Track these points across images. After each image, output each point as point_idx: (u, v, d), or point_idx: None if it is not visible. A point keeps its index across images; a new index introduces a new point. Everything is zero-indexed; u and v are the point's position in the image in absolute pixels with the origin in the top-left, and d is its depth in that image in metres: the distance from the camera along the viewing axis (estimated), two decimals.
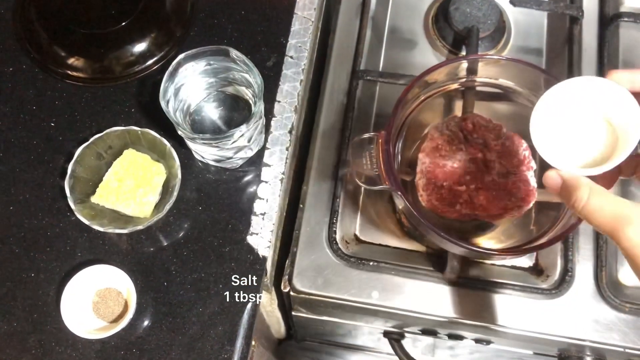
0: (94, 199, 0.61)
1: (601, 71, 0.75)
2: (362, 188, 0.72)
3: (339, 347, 1.36)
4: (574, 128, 0.45)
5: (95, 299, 0.60)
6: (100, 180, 0.61)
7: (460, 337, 0.77)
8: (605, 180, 0.46)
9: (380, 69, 0.78)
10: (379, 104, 0.76)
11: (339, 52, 0.77)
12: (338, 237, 0.68)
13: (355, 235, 0.71)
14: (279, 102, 0.68)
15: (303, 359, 1.42)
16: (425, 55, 0.79)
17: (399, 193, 0.56)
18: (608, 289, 0.65)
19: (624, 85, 0.41)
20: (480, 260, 0.68)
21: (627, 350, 0.64)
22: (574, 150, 0.44)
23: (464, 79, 0.67)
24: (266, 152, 0.66)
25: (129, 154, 0.62)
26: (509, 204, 0.61)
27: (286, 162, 0.66)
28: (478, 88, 0.69)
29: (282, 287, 0.67)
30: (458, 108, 0.71)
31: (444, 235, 0.56)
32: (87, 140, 0.61)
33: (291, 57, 0.70)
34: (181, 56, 0.58)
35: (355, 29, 0.78)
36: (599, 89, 0.43)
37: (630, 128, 0.41)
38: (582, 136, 0.44)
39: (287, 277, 0.67)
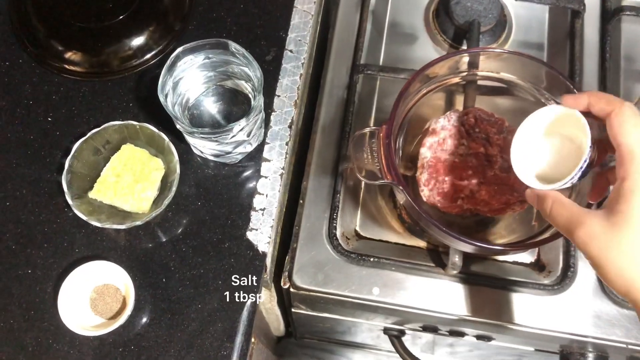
0: (91, 194, 0.60)
1: (603, 66, 0.74)
2: (363, 183, 0.71)
3: (338, 344, 1.36)
4: (545, 150, 0.52)
5: (92, 296, 0.60)
6: (98, 175, 0.61)
7: (461, 334, 0.77)
8: (595, 190, 0.54)
9: (381, 63, 0.77)
10: (379, 99, 0.75)
11: (339, 46, 0.76)
12: (338, 233, 0.68)
13: (355, 231, 0.70)
14: (278, 96, 0.67)
15: (302, 357, 1.42)
16: (426, 49, 0.78)
17: (401, 187, 0.55)
18: None
19: (576, 108, 0.48)
20: (482, 256, 0.68)
21: (629, 346, 0.64)
22: (547, 169, 0.52)
23: (466, 73, 0.67)
24: (266, 147, 0.65)
25: (127, 148, 0.62)
26: (510, 199, 0.60)
27: (286, 157, 0.65)
28: (479, 82, 0.68)
29: (282, 284, 0.66)
30: (459, 102, 0.70)
31: (446, 230, 0.55)
32: (85, 135, 0.60)
33: (291, 51, 0.69)
34: (179, 49, 0.57)
35: (355, 23, 0.77)
36: (561, 114, 0.50)
37: (584, 145, 0.47)
38: (552, 156, 0.52)
39: (287, 273, 0.66)
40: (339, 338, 1.28)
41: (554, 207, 0.47)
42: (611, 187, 0.51)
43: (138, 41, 0.68)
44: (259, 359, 0.83)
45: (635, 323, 0.64)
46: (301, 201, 0.69)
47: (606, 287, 0.64)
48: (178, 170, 0.59)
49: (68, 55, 0.69)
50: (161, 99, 0.56)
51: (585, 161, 0.47)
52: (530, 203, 0.51)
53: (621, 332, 0.64)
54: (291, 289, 0.66)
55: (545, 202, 0.47)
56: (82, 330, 0.56)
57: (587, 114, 0.48)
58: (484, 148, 0.61)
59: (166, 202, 0.59)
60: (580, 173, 0.47)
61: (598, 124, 0.48)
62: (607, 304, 0.65)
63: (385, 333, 0.83)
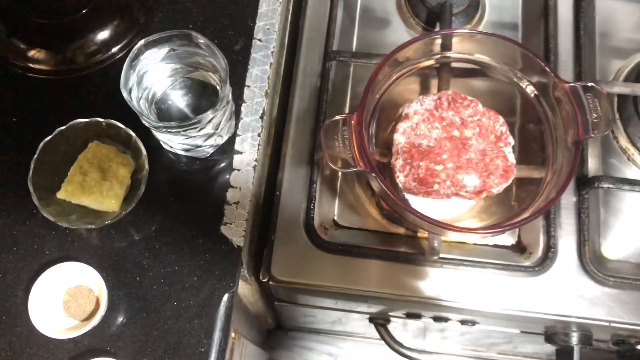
0: (59, 194, 0.58)
1: (578, 44, 0.73)
2: (339, 172, 0.70)
3: (329, 334, 1.35)
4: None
5: (65, 298, 0.58)
6: (66, 175, 0.59)
7: (445, 319, 0.76)
8: None
9: (354, 50, 0.76)
10: (353, 86, 0.74)
11: (310, 33, 0.75)
12: (316, 223, 0.67)
13: (333, 220, 0.69)
14: (248, 87, 0.66)
15: (293, 348, 1.42)
16: (399, 33, 0.77)
17: (374, 175, 0.54)
18: (592, 263, 0.64)
19: None
20: (462, 241, 0.67)
21: (612, 325, 0.63)
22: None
23: (439, 56, 0.66)
24: (237, 139, 0.64)
25: (94, 146, 0.60)
26: (488, 182, 0.59)
27: (258, 149, 0.64)
28: (453, 64, 0.67)
29: (260, 277, 0.65)
30: (434, 86, 0.69)
31: (423, 216, 0.54)
32: (50, 135, 0.58)
33: (260, 40, 0.68)
34: (141, 42, 0.55)
35: (326, 9, 0.75)
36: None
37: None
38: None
39: (265, 266, 0.65)
40: (329, 328, 1.27)
41: None
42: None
43: (102, 35, 0.67)
44: (244, 353, 0.82)
45: (617, 301, 0.64)
46: (277, 193, 0.68)
47: (588, 266, 0.64)
48: (147, 167, 0.58)
49: (32, 53, 0.67)
50: (124, 94, 0.54)
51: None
52: None
53: (604, 310, 0.63)
54: (270, 282, 0.65)
55: None
56: (55, 333, 0.55)
57: None
58: (458, 131, 0.60)
59: (136, 199, 0.57)
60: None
61: None
62: (589, 283, 0.64)
63: (371, 322, 0.83)
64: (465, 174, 0.59)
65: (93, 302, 0.58)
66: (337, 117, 0.57)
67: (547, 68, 0.60)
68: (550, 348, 0.75)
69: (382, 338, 0.80)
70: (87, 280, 0.58)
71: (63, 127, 0.59)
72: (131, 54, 0.55)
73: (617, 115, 0.71)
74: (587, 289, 0.64)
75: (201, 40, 0.56)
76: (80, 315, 0.58)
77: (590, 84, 0.57)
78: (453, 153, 0.59)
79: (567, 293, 0.64)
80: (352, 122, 0.56)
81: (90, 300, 0.58)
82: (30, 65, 0.67)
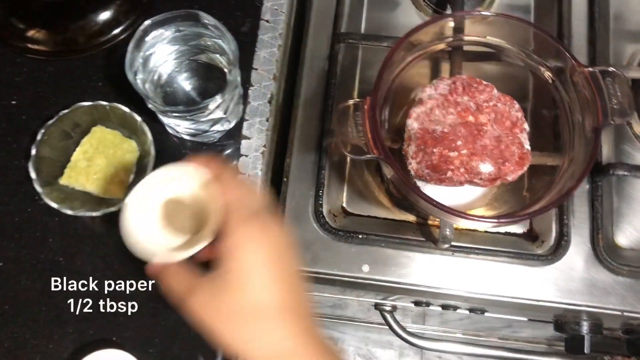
0: (62, 180, 0.57)
1: (592, 27, 0.72)
2: (348, 158, 0.69)
3: (329, 319, 1.35)
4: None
5: None
6: (69, 160, 0.57)
7: (454, 308, 0.75)
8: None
9: (363, 32, 0.74)
10: (362, 69, 0.72)
11: (318, 14, 0.73)
12: (325, 210, 0.65)
13: (342, 207, 0.68)
14: (256, 69, 0.64)
15: None
16: (409, 15, 0.75)
17: (389, 162, 0.53)
18: (605, 252, 0.63)
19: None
20: (473, 229, 0.66)
21: (625, 314, 0.63)
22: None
23: (451, 39, 0.64)
24: (245, 124, 0.62)
25: (98, 131, 0.58)
26: (503, 169, 0.58)
27: (267, 134, 0.62)
28: (465, 48, 0.65)
29: None
30: (445, 70, 0.67)
31: (437, 204, 0.53)
32: (52, 118, 0.56)
33: (267, 21, 0.66)
34: (147, 22, 0.53)
35: None
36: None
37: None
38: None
39: None
40: (329, 313, 1.27)
41: (168, 279, 0.43)
42: None
43: (105, 16, 0.64)
44: None
45: (630, 290, 0.63)
46: (285, 179, 0.67)
47: (601, 254, 0.63)
48: (153, 152, 0.56)
49: (31, 33, 0.65)
50: (129, 77, 0.52)
51: (213, 222, 0.42)
52: (154, 279, 0.45)
53: (616, 300, 0.63)
54: None
55: (162, 274, 0.43)
56: None
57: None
58: (473, 117, 0.58)
59: None
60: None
61: None
62: (602, 272, 0.63)
63: (376, 308, 0.82)
64: (479, 161, 0.57)
65: None
66: (350, 102, 0.55)
67: (565, 51, 0.58)
68: (549, 332, 0.74)
69: (388, 325, 0.80)
70: None
71: (66, 111, 0.57)
72: (136, 35, 0.53)
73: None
74: (599, 277, 0.63)
75: (209, 21, 0.54)
76: None
77: (610, 68, 0.55)
78: (468, 139, 0.58)
79: (580, 282, 0.63)
80: (366, 107, 0.54)
81: None
82: (30, 45, 0.64)
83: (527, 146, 0.59)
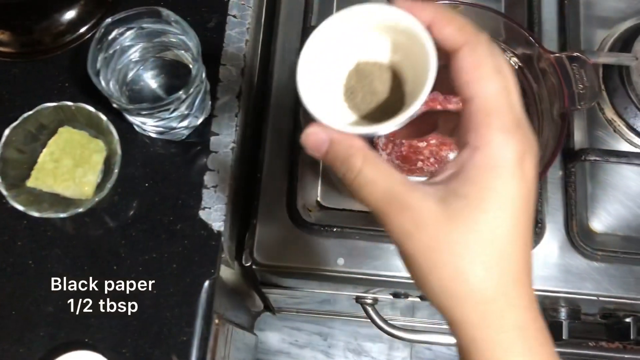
0: (29, 183, 0.56)
1: (562, 13, 0.72)
2: None
3: (318, 315, 1.35)
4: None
5: None
6: (35, 162, 0.57)
7: None
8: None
9: None
10: None
11: (288, 8, 0.72)
12: (299, 205, 0.65)
13: (317, 201, 0.68)
14: (224, 65, 0.63)
15: (283, 329, 1.41)
16: None
17: None
18: (579, 238, 0.63)
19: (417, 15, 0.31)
20: None
21: (600, 299, 0.63)
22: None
23: None
24: (214, 120, 0.61)
25: (65, 131, 0.58)
26: None
27: (237, 130, 0.62)
28: None
29: (243, 261, 0.64)
30: None
31: None
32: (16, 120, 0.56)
33: (234, 16, 0.65)
34: (108, 21, 0.53)
35: None
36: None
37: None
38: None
39: (247, 250, 0.64)
40: (318, 308, 1.27)
41: (365, 170, 0.30)
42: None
43: (69, 15, 0.64)
44: (229, 339, 0.80)
45: (605, 275, 0.63)
46: (259, 175, 0.66)
47: (575, 240, 0.63)
48: (119, 151, 0.56)
49: None
50: (92, 76, 0.52)
51: (427, 89, 0.30)
52: (312, 152, 0.31)
53: (591, 285, 0.63)
54: (254, 266, 0.64)
55: (351, 159, 0.30)
56: None
57: None
58: (441, 106, 0.58)
59: (109, 185, 0.55)
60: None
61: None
62: (577, 257, 0.63)
63: (357, 302, 0.82)
64: (449, 151, 0.57)
65: None
66: None
67: (531, 38, 0.58)
68: None
69: (370, 318, 0.79)
70: None
71: (30, 112, 0.56)
72: (97, 34, 0.53)
73: (602, 87, 0.69)
74: (574, 263, 0.63)
75: (172, 17, 0.53)
76: None
77: (575, 54, 0.55)
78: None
79: (555, 268, 0.63)
80: None
81: None
82: None
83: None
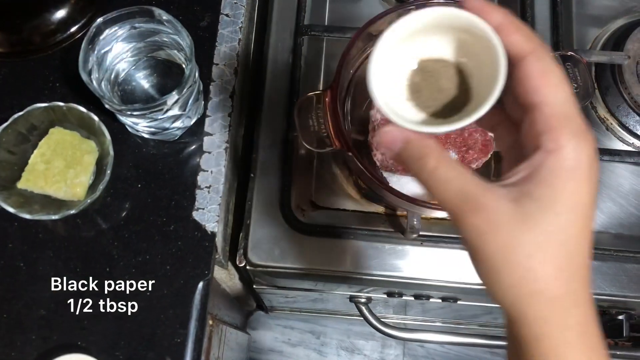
0: (20, 184, 0.55)
1: (555, 11, 0.72)
2: (315, 152, 0.68)
3: (311, 313, 1.35)
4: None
5: None
6: (26, 163, 0.56)
7: (426, 297, 0.75)
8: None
9: (326, 23, 0.73)
10: (327, 62, 0.71)
11: (280, 7, 0.72)
12: (293, 204, 0.65)
13: (311, 201, 0.67)
14: (217, 65, 0.63)
15: (275, 328, 1.41)
16: (373, 6, 0.74)
17: (350, 154, 0.52)
18: None
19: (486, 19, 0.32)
20: (441, 218, 0.66)
21: (593, 297, 0.63)
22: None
23: None
24: (207, 120, 0.61)
25: (56, 132, 0.57)
26: (467, 157, 0.58)
27: (230, 130, 0.61)
28: None
29: (237, 262, 0.63)
30: None
31: (399, 194, 0.53)
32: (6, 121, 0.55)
33: (227, 15, 0.65)
34: (99, 20, 0.52)
35: None
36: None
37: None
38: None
39: (241, 251, 0.64)
40: (310, 307, 1.26)
41: (440, 170, 0.31)
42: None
43: (60, 14, 0.63)
44: (223, 340, 0.80)
45: (597, 273, 0.63)
46: (252, 175, 0.66)
47: None
48: (112, 152, 0.55)
49: None
50: (83, 76, 0.51)
51: (500, 86, 0.31)
52: (386, 149, 0.34)
53: None
54: (247, 267, 0.64)
55: (425, 158, 0.32)
56: None
57: None
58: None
59: (101, 186, 0.55)
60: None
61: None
62: None
63: (351, 301, 0.82)
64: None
65: None
66: (311, 94, 0.54)
67: None
68: None
69: (363, 317, 0.79)
70: None
71: (20, 113, 0.55)
72: (89, 33, 0.52)
73: (595, 85, 0.69)
74: None
75: (164, 16, 0.53)
76: None
77: (569, 53, 0.55)
78: None
79: None
80: (326, 99, 0.53)
81: None
82: None
83: (491, 133, 0.58)
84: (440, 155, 0.32)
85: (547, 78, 0.31)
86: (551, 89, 0.30)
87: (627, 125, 0.67)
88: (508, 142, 0.35)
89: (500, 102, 0.32)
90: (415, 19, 0.34)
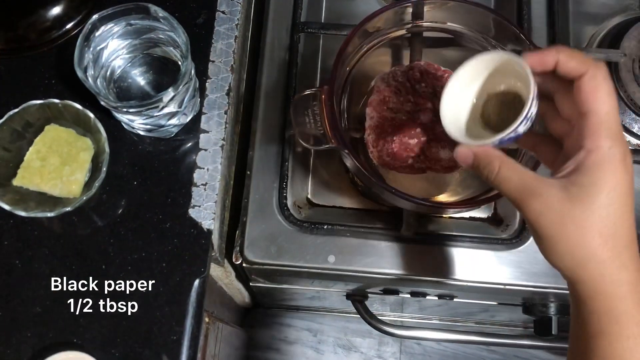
0: (15, 181, 0.55)
1: (551, 10, 0.72)
2: (312, 149, 0.68)
3: (308, 311, 1.35)
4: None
5: None
6: (21, 160, 0.56)
7: (423, 294, 0.75)
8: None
9: (323, 21, 0.73)
10: (323, 59, 0.71)
11: (277, 4, 0.72)
12: (289, 202, 0.65)
13: (307, 199, 0.67)
14: (213, 62, 0.63)
15: (272, 325, 1.41)
16: (369, 3, 0.74)
17: (346, 151, 0.52)
18: None
19: (542, 66, 0.42)
20: (438, 215, 0.66)
21: None
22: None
23: (410, 25, 0.63)
24: (203, 118, 0.61)
25: (52, 129, 0.57)
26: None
27: (226, 127, 0.61)
28: (425, 34, 0.65)
29: (233, 260, 0.63)
30: (406, 57, 0.67)
31: (396, 192, 0.53)
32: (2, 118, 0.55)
33: (223, 12, 0.64)
34: (95, 17, 0.52)
35: None
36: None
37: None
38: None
39: (238, 248, 0.64)
40: (308, 304, 1.27)
41: (502, 171, 0.41)
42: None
43: (55, 11, 0.63)
44: (220, 337, 0.80)
45: None
46: (248, 172, 0.66)
47: None
48: (107, 149, 0.55)
49: None
50: (79, 73, 0.51)
51: (528, 112, 0.41)
52: (463, 164, 0.45)
53: None
54: (244, 265, 0.64)
55: (491, 164, 0.42)
56: None
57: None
58: (431, 103, 0.58)
59: (97, 184, 0.54)
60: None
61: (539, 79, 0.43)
62: None
63: (348, 298, 0.82)
64: (439, 148, 0.57)
65: None
66: (307, 92, 0.54)
67: (521, 34, 0.58)
68: (522, 315, 0.75)
69: (360, 314, 0.80)
70: None
71: (16, 110, 0.55)
72: (84, 30, 0.52)
73: None
74: None
75: (160, 13, 0.53)
76: None
77: None
78: (427, 126, 0.58)
79: (544, 264, 0.61)
80: (323, 96, 0.53)
81: None
82: None
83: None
84: (501, 160, 0.42)
85: (597, 93, 0.39)
86: (599, 101, 0.39)
87: (623, 123, 0.67)
88: (549, 156, 0.46)
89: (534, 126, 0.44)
90: (480, 62, 0.45)
